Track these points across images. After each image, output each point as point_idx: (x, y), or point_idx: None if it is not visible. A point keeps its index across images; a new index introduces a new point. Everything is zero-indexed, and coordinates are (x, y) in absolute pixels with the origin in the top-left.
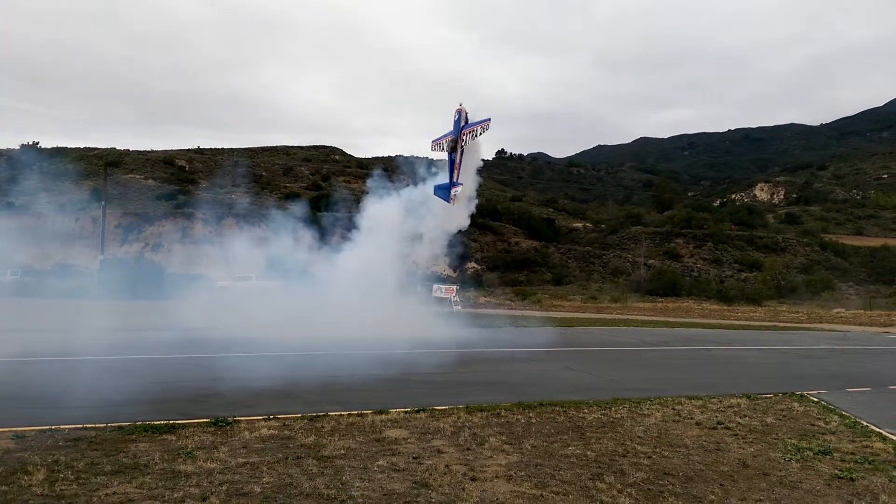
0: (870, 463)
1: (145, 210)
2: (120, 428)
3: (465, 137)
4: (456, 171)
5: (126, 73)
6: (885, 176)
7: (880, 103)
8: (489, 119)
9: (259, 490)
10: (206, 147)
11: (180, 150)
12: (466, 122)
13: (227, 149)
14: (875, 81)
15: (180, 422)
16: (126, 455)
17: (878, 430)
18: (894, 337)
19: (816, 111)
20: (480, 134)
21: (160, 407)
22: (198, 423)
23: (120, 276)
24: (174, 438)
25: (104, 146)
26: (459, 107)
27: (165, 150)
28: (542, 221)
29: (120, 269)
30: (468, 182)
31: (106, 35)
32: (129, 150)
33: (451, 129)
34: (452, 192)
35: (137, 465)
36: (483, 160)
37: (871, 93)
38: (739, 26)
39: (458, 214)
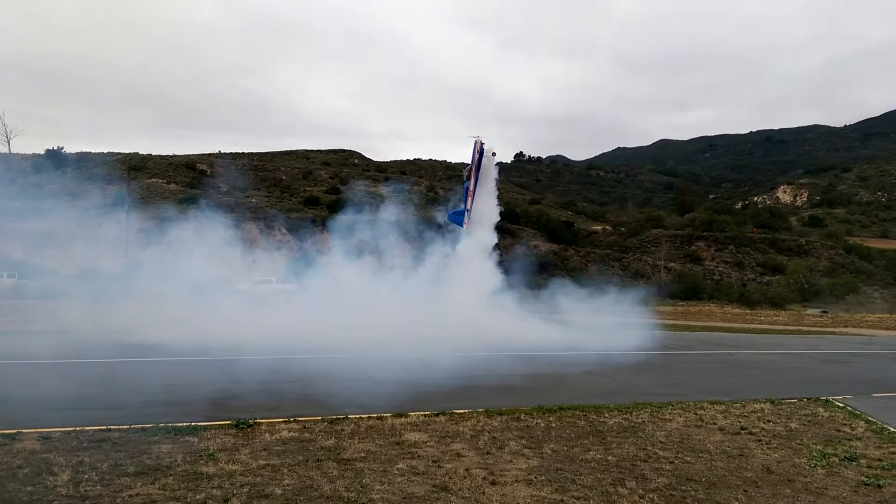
0: None
1: (168, 214)
2: (143, 429)
3: (475, 165)
4: (469, 199)
5: (147, 80)
6: None
7: None
8: (494, 153)
9: (280, 492)
10: (227, 151)
11: (201, 154)
12: (481, 153)
13: (247, 153)
14: None
15: (202, 424)
16: (149, 456)
17: None
18: None
19: (840, 112)
20: (480, 164)
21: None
22: (219, 425)
23: (143, 279)
24: (196, 440)
25: (127, 151)
26: (477, 138)
27: (187, 155)
28: (561, 224)
29: (143, 272)
30: (490, 206)
31: (127, 42)
32: (151, 154)
33: (469, 160)
34: (466, 218)
35: (160, 466)
36: (501, 163)
37: (894, 94)
38: (758, 28)
39: (485, 238)
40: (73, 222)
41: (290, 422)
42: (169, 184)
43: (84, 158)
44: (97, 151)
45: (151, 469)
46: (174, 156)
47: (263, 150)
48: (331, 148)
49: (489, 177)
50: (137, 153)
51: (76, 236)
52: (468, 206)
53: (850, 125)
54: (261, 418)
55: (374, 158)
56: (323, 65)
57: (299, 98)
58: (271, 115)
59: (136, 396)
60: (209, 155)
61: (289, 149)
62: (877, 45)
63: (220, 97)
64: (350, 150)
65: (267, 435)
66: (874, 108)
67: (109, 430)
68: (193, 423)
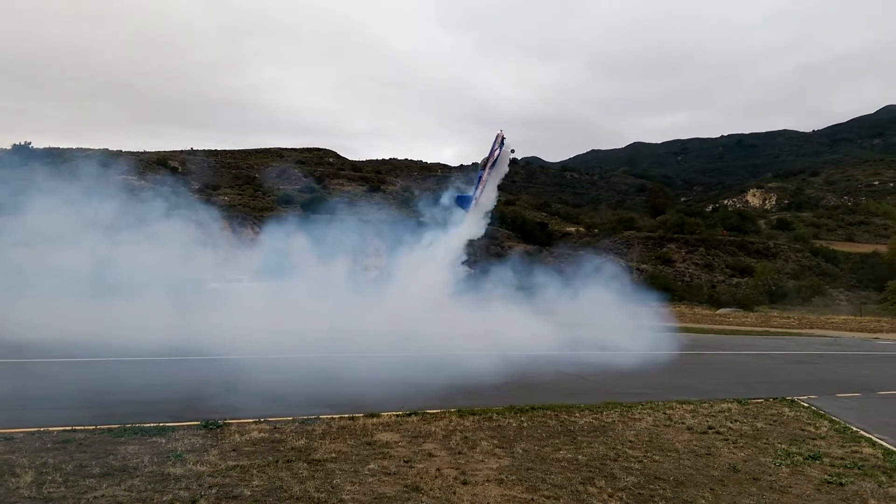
0: (859, 468)
1: (138, 211)
2: (109, 430)
3: (494, 156)
4: (480, 187)
5: (120, 74)
6: (877, 183)
7: (871, 111)
8: (512, 150)
9: (249, 493)
10: (200, 148)
11: (173, 151)
12: (501, 145)
13: (221, 150)
14: (866, 89)
15: (170, 424)
16: (115, 457)
17: (867, 435)
18: (884, 342)
19: (809, 118)
20: (501, 159)
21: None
22: (188, 425)
23: (113, 278)
24: (164, 441)
25: (97, 147)
26: (500, 132)
27: (159, 152)
28: (535, 225)
29: (113, 270)
30: (491, 196)
31: (100, 36)
32: (121, 150)
33: (489, 150)
34: (472, 203)
35: (126, 467)
36: (476, 163)
37: (862, 100)
38: (732, 34)
39: (476, 224)
40: (40, 218)
41: (260, 422)
42: (139, 181)
43: (52, 154)
44: (67, 147)
45: (117, 470)
46: (145, 152)
47: (238, 148)
48: (306, 147)
49: (500, 172)
50: (107, 149)
51: (43, 233)
52: (476, 195)
53: (818, 130)
54: (231, 419)
55: (350, 157)
56: (301, 63)
57: (276, 96)
58: (247, 112)
59: (101, 397)
60: (182, 152)
61: (263, 146)
62: (845, 54)
63: (195, 94)
64: (325, 149)
65: (237, 435)
66: (842, 114)
67: (74, 430)
68: (161, 424)
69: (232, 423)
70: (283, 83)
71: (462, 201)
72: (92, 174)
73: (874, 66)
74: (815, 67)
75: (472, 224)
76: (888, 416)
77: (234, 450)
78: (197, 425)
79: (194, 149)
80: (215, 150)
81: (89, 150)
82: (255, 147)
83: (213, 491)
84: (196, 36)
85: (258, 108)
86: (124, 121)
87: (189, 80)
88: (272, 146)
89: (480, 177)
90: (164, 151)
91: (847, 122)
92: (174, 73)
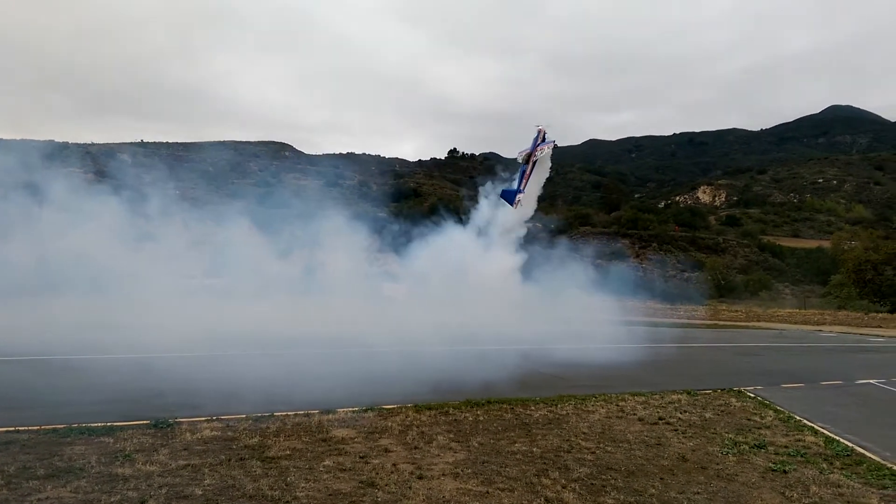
0: (802, 456)
1: (84, 204)
2: (55, 430)
3: (537, 153)
4: (525, 181)
5: (67, 63)
6: (821, 180)
7: (817, 110)
8: (553, 142)
9: (200, 492)
10: (150, 141)
11: (123, 143)
12: (543, 139)
13: (173, 143)
14: (812, 89)
15: (119, 424)
16: (61, 458)
17: (810, 424)
18: (827, 334)
19: (757, 117)
20: (546, 153)
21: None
22: (137, 425)
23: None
24: (112, 441)
25: (42, 139)
26: (539, 126)
27: (107, 144)
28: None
29: (59, 266)
30: (534, 193)
31: (46, 24)
32: (68, 143)
33: (530, 145)
34: (517, 197)
35: (72, 468)
36: (434, 159)
37: (808, 100)
38: (685, 33)
39: (520, 218)
40: None
41: (212, 420)
42: (87, 174)
43: None
44: (9, 138)
45: (63, 471)
46: (93, 144)
47: (190, 141)
48: (262, 140)
49: (544, 168)
50: (53, 141)
51: None
52: (522, 188)
53: (766, 129)
54: (182, 417)
55: (308, 152)
56: (257, 54)
57: (231, 88)
58: (201, 104)
59: (46, 397)
60: (131, 144)
61: (217, 139)
62: (792, 55)
63: (147, 84)
64: (282, 143)
65: (188, 434)
66: (789, 113)
67: (18, 431)
68: (109, 424)
69: (183, 422)
70: (238, 74)
71: (507, 195)
72: (36, 166)
73: (820, 67)
74: (763, 68)
75: (515, 220)
76: (830, 406)
77: (185, 449)
78: (146, 424)
79: (144, 140)
80: (167, 143)
81: (35, 140)
82: (209, 140)
83: (163, 491)
84: (147, 24)
85: (212, 100)
86: (71, 112)
87: (140, 70)
88: (227, 139)
89: (524, 171)
90: (114, 143)
91: (793, 121)
92: (124, 63)
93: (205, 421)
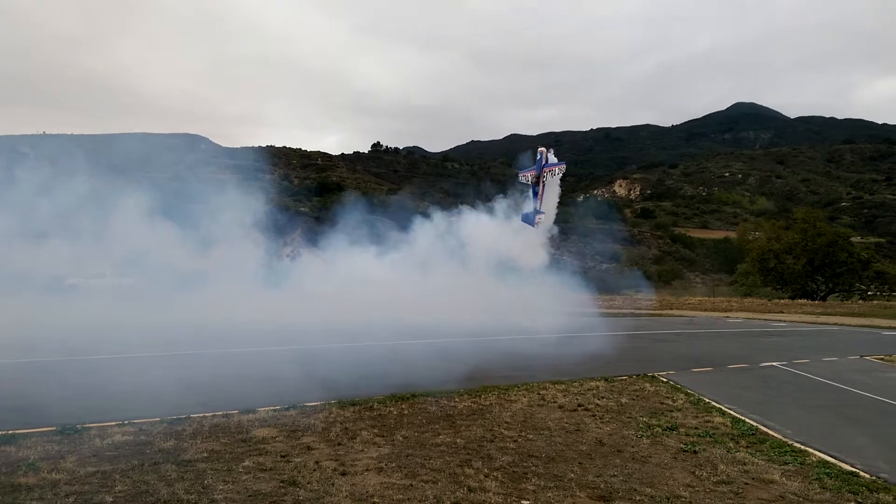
0: (710, 436)
1: None
2: None
3: (545, 174)
4: (539, 201)
5: None
6: (727, 174)
7: (723, 107)
8: (563, 164)
9: (111, 500)
10: (54, 132)
11: (23, 135)
12: (546, 161)
13: (79, 135)
14: (719, 86)
15: (21, 431)
16: None
17: (718, 405)
18: (734, 320)
19: (668, 113)
20: (557, 175)
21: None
22: (41, 432)
23: None
24: (14, 450)
25: None
26: (542, 149)
27: (7, 136)
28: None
29: None
30: (549, 213)
31: None
32: None
33: (535, 166)
34: (536, 218)
35: None
36: (357, 153)
37: (715, 97)
38: (601, 30)
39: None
40: None
41: (123, 424)
42: None
43: None
44: None
45: None
46: None
47: (97, 133)
48: (175, 132)
49: (554, 188)
50: None
51: None
52: (538, 208)
53: (676, 125)
54: (90, 422)
55: (225, 144)
56: (168, 41)
57: (141, 76)
58: (108, 93)
59: None
60: (32, 136)
61: (126, 131)
62: (700, 53)
63: (48, 72)
64: (197, 135)
65: (97, 440)
66: (697, 110)
67: None
68: (10, 432)
69: (92, 427)
70: (149, 63)
71: (527, 217)
72: None
73: (726, 65)
74: (673, 66)
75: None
76: (737, 388)
77: (94, 455)
78: (52, 431)
79: (47, 132)
80: (72, 135)
81: None
82: (118, 132)
83: (71, 500)
84: (48, 5)
85: (120, 90)
86: None
87: (40, 57)
88: (136, 131)
89: (536, 191)
90: (14, 135)
91: (702, 117)
92: (22, 48)
93: (116, 425)
